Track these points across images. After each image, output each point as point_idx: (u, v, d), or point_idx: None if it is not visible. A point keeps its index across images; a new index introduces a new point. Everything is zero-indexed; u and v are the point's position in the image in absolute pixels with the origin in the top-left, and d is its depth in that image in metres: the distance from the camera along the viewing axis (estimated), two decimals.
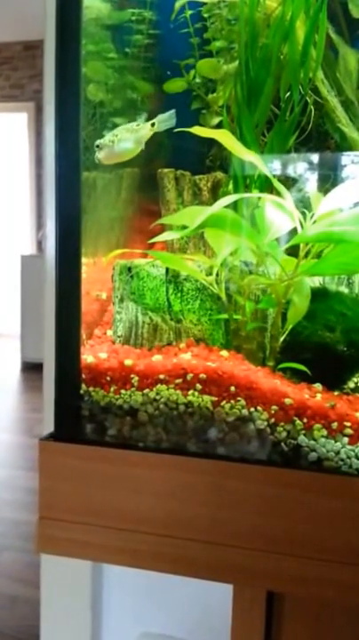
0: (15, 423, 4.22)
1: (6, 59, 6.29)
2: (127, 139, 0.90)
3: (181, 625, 1.34)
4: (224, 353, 0.86)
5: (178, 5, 1.05)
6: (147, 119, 0.94)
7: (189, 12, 1.08)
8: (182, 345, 0.88)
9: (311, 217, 0.82)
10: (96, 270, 0.97)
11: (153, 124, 0.92)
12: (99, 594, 1.39)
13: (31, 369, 5.32)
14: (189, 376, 0.79)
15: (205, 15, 1.10)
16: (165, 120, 0.92)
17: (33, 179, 6.47)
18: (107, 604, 1.40)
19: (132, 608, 1.38)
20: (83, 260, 0.82)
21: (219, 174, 1.04)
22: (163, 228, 1.00)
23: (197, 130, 0.85)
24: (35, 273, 5.25)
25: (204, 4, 1.08)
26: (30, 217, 6.55)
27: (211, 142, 1.10)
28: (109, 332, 0.94)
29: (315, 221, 0.81)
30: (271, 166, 0.97)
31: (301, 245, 0.82)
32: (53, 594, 1.41)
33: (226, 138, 0.85)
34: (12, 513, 2.87)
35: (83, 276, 0.82)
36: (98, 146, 0.90)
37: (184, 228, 0.88)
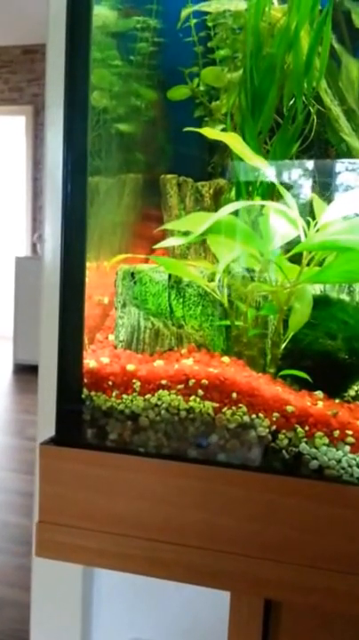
0: (6, 425, 4.20)
1: (5, 62, 6.31)
2: None
3: (172, 631, 1.33)
4: (225, 359, 0.86)
5: (184, 14, 1.06)
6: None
7: (194, 21, 1.08)
8: (184, 351, 0.88)
9: (314, 225, 0.82)
10: (98, 275, 0.97)
11: None
12: (90, 599, 1.39)
13: (23, 370, 5.31)
14: (191, 382, 0.79)
15: (210, 24, 1.10)
16: None
17: (29, 181, 6.47)
18: (98, 609, 1.39)
19: (123, 613, 1.37)
20: (87, 264, 0.82)
21: (222, 181, 1.04)
22: (164, 234, 1.00)
23: (206, 131, 0.86)
24: (30, 275, 5.25)
25: (209, 13, 1.09)
26: (26, 219, 6.55)
27: (214, 149, 1.11)
28: (111, 337, 0.94)
29: (318, 230, 0.82)
30: (275, 174, 0.98)
31: (304, 253, 0.83)
32: (44, 598, 1.41)
33: (234, 141, 0.85)
34: (2, 515, 2.86)
35: (86, 280, 0.82)
36: None
37: (186, 233, 0.88)
